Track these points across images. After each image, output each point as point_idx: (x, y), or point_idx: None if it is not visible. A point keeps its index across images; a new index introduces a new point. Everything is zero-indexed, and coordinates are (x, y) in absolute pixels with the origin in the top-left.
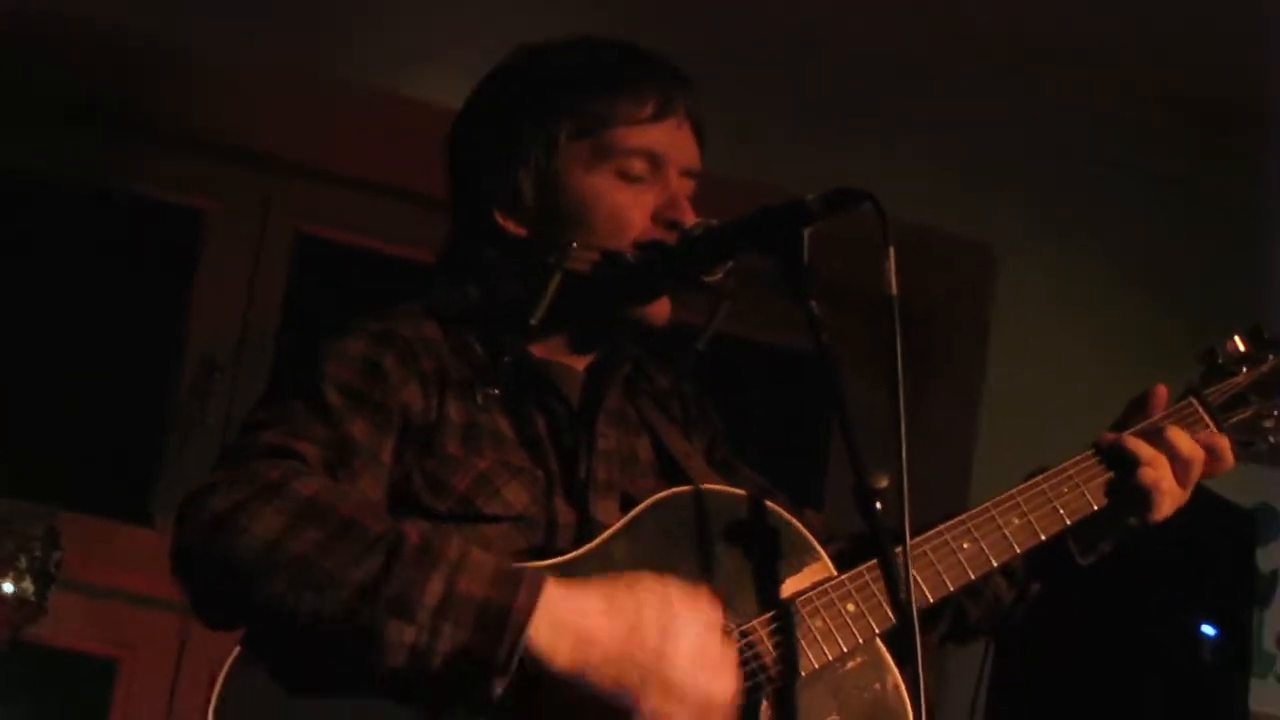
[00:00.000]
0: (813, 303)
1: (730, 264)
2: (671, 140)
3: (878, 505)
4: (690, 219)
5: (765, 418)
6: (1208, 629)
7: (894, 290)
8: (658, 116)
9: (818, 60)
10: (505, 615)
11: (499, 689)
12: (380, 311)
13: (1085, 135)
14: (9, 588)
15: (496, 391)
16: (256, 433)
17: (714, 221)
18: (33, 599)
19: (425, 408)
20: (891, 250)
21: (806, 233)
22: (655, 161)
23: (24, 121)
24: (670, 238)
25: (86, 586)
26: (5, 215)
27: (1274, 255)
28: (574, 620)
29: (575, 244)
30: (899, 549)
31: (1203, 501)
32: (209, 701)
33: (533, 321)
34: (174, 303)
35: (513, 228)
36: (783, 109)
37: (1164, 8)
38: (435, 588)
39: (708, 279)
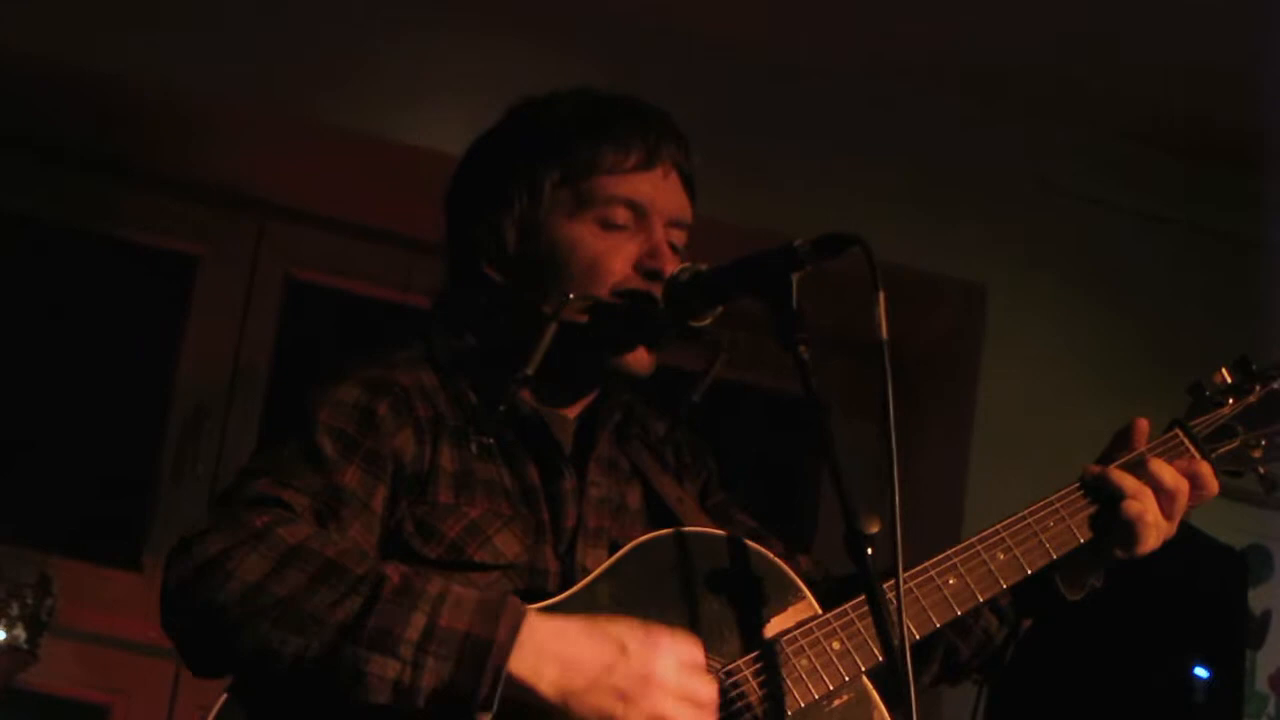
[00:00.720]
0: (802, 347)
1: (720, 309)
2: (656, 190)
3: (869, 551)
4: (671, 268)
5: (755, 461)
6: (1200, 671)
7: (885, 335)
8: (642, 166)
9: (807, 103)
10: (488, 647)
11: None
12: (377, 356)
13: (1077, 174)
14: (1, 635)
15: (491, 440)
16: (247, 481)
17: (702, 266)
18: (25, 646)
19: (418, 455)
20: (882, 295)
21: (796, 277)
22: (638, 210)
23: (15, 166)
24: (652, 287)
25: (79, 633)
26: None
27: (1267, 292)
28: (557, 646)
29: (571, 294)
30: (889, 584)
31: (1195, 543)
32: None
33: (528, 371)
34: (164, 347)
35: (497, 276)
36: (772, 152)
37: (1157, 47)
38: (417, 623)
39: (696, 324)
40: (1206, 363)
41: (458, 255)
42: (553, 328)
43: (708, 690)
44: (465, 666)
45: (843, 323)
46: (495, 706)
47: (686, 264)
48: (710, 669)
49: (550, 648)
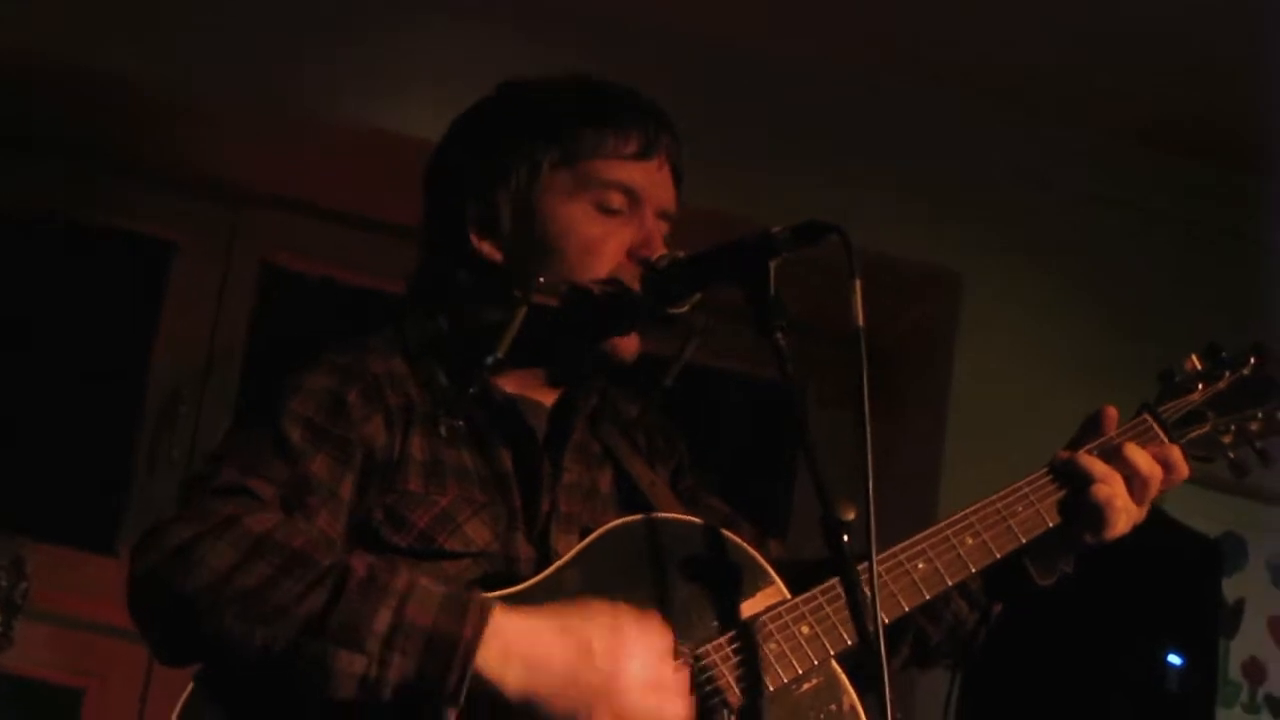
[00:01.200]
0: (779, 334)
1: (698, 296)
2: (651, 180)
3: (845, 538)
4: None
5: (731, 448)
6: (1174, 658)
7: (861, 322)
8: (641, 155)
9: (784, 93)
10: (454, 643)
11: (451, 718)
12: (348, 344)
13: (1053, 164)
14: None
15: (461, 424)
16: (214, 468)
17: (680, 254)
18: None
19: (388, 444)
20: (858, 282)
21: (773, 265)
22: (633, 198)
23: None
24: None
25: (53, 616)
26: None
27: (1243, 283)
28: (523, 645)
29: (542, 278)
30: (862, 567)
31: (1169, 531)
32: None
33: (498, 355)
34: (140, 334)
35: (488, 250)
36: (749, 141)
37: (1135, 38)
38: (383, 617)
39: (674, 311)
40: (1184, 353)
41: (443, 229)
42: (523, 311)
43: (677, 679)
44: (431, 663)
45: (818, 311)
46: (461, 703)
47: (664, 251)
48: (680, 654)
49: (516, 647)
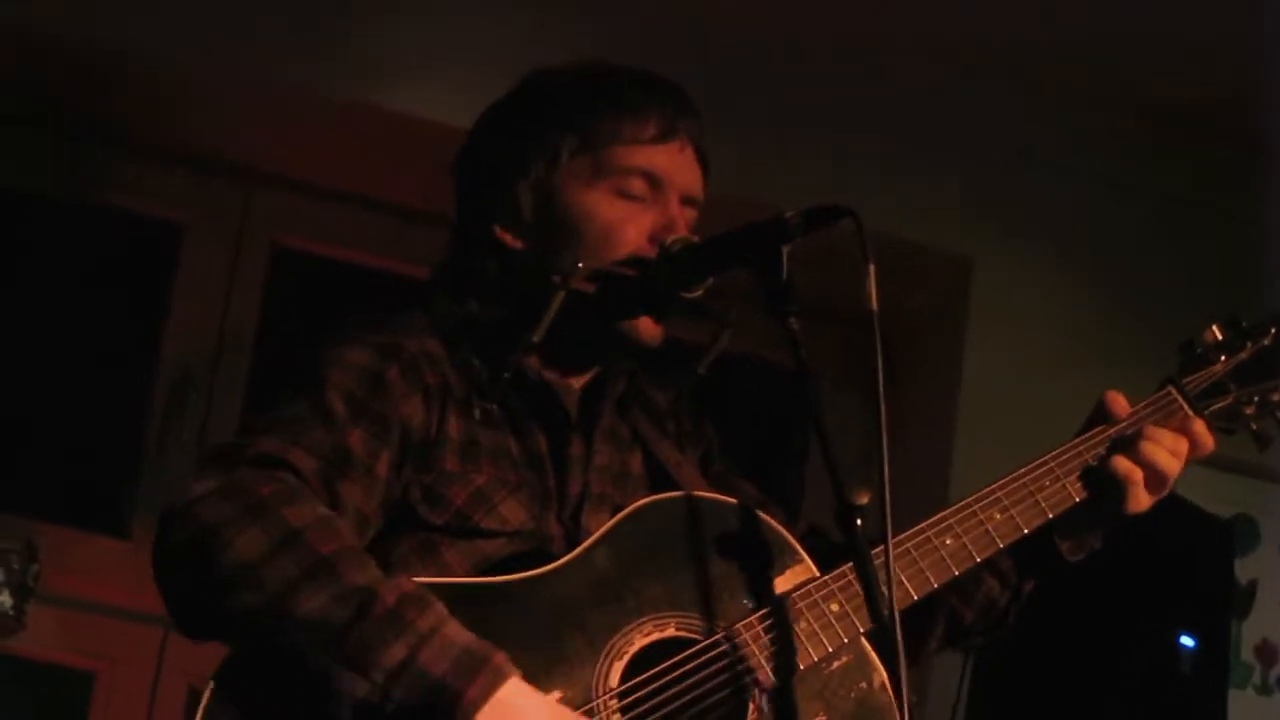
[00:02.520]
0: (792, 319)
1: (710, 280)
2: (673, 163)
3: (859, 522)
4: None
5: (741, 432)
6: (1186, 640)
7: (874, 306)
8: (660, 138)
9: (796, 75)
10: (456, 700)
11: None
12: (383, 323)
13: (1064, 148)
14: None
15: (495, 407)
16: (253, 437)
17: (694, 238)
18: (10, 612)
19: (426, 422)
20: (872, 266)
21: (786, 249)
22: (655, 182)
23: (2, 131)
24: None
25: (64, 599)
26: None
27: (1254, 266)
28: (530, 712)
29: (581, 263)
30: (878, 550)
31: (1182, 513)
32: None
33: (534, 339)
34: (150, 315)
35: (510, 241)
36: (759, 125)
37: (1145, 20)
38: (396, 653)
39: (688, 295)
40: (1192, 333)
41: (469, 220)
42: (560, 296)
43: None
44: (431, 710)
45: (828, 294)
46: None
47: (678, 235)
48: (709, 645)
49: (520, 716)
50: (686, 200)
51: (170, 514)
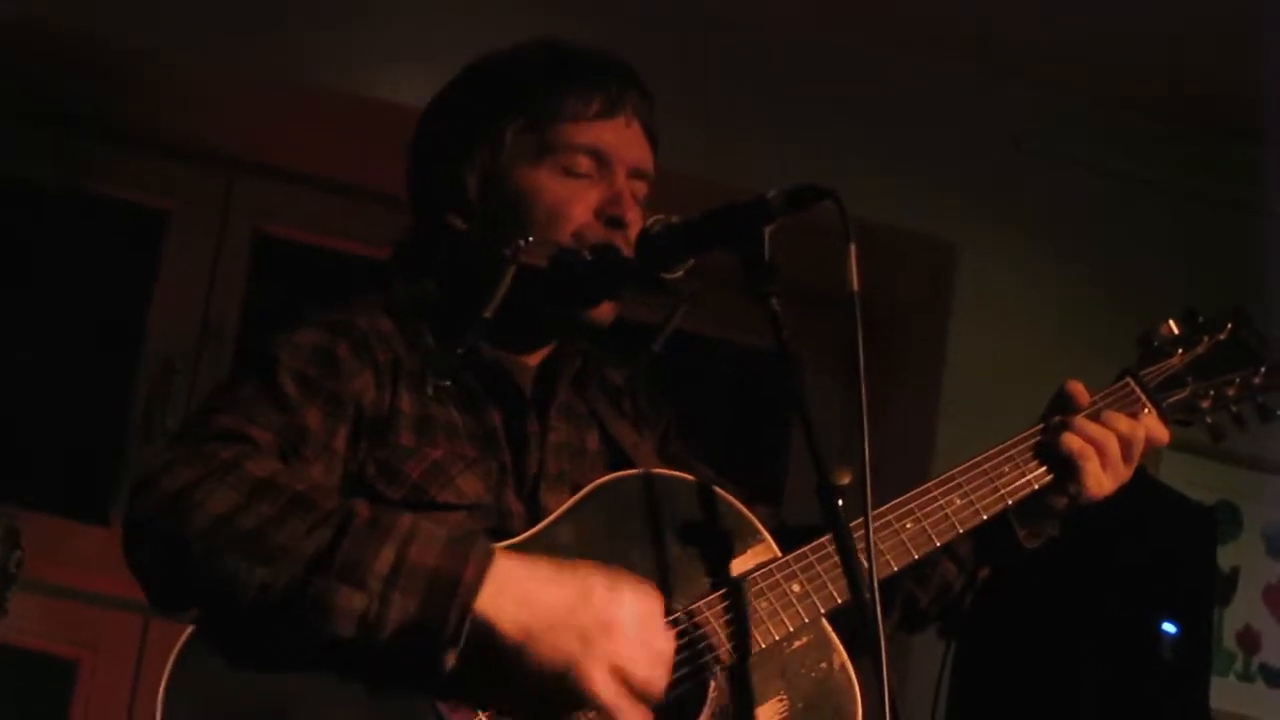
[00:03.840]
0: (774, 300)
1: (691, 262)
2: (619, 138)
3: (840, 502)
4: (630, 215)
5: (723, 416)
6: (1169, 627)
7: (855, 287)
8: (604, 114)
9: (779, 59)
10: (455, 584)
11: (450, 663)
12: (335, 304)
13: (1050, 133)
14: None
15: (448, 383)
16: (209, 417)
17: (674, 218)
18: None
19: (378, 398)
20: (853, 247)
21: (768, 230)
22: (600, 159)
23: None
24: (612, 235)
25: (47, 587)
26: None
27: (1239, 253)
28: (523, 587)
29: (530, 238)
30: (855, 524)
31: (1164, 500)
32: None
33: (486, 314)
34: (133, 303)
35: (459, 225)
36: (744, 107)
37: (1135, 7)
38: (386, 556)
39: (668, 277)
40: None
41: (421, 204)
42: (511, 270)
43: (665, 643)
44: (431, 602)
45: (810, 277)
46: (461, 644)
47: (659, 216)
48: (670, 622)
49: (516, 588)
50: (635, 174)
51: (135, 487)
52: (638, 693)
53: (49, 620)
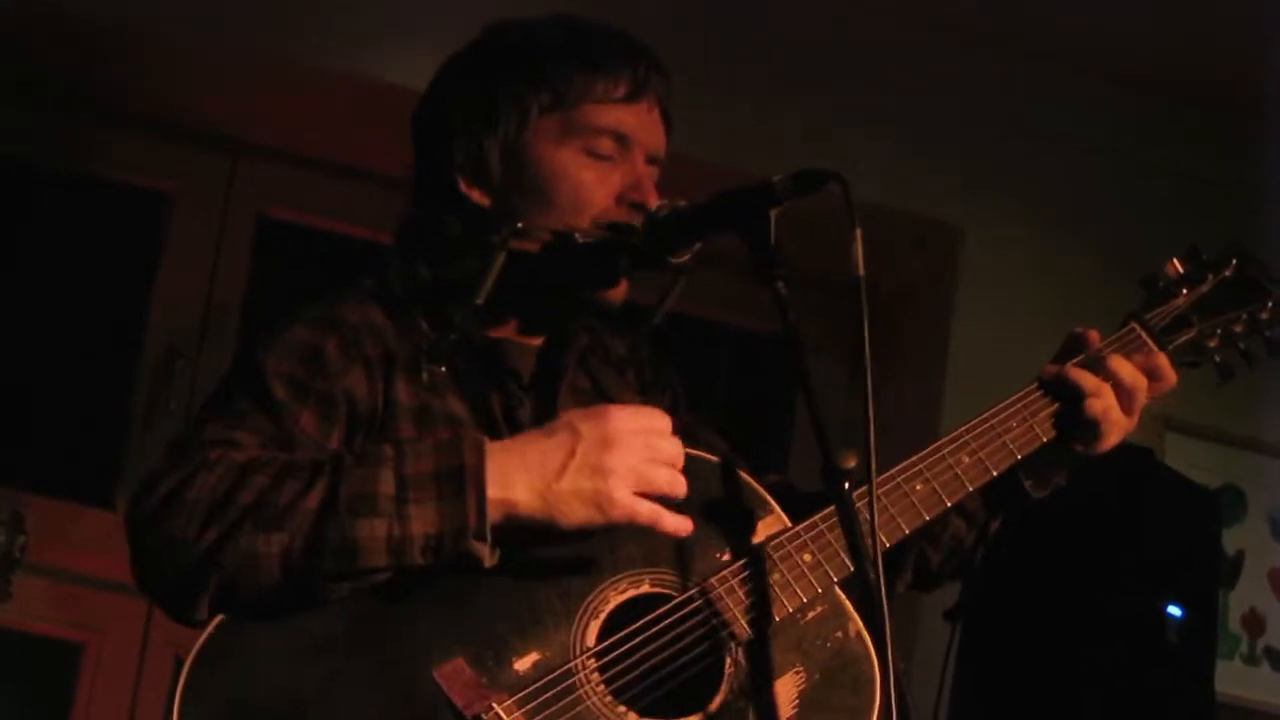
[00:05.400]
0: (780, 284)
1: (698, 246)
2: (641, 123)
3: (846, 485)
4: (654, 202)
5: (726, 401)
6: (1173, 610)
7: (861, 271)
8: (630, 98)
9: (785, 42)
10: (459, 472)
11: (489, 557)
12: (323, 298)
13: (1056, 117)
14: None
15: (442, 369)
16: (198, 428)
17: (681, 202)
18: None
19: (371, 393)
20: (859, 231)
21: (774, 213)
22: (623, 142)
23: None
24: (633, 218)
25: (51, 570)
26: None
27: (1248, 235)
28: (519, 455)
29: (521, 223)
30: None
31: (1169, 484)
32: (175, 683)
33: (477, 300)
34: (136, 286)
35: (477, 197)
36: (749, 91)
37: None
38: (386, 478)
39: (675, 260)
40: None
41: (431, 175)
42: (501, 256)
43: (670, 443)
44: (446, 499)
45: (815, 261)
46: (489, 534)
47: (665, 200)
48: (684, 600)
49: (516, 457)
50: (651, 159)
51: (131, 504)
52: (665, 495)
53: (53, 604)
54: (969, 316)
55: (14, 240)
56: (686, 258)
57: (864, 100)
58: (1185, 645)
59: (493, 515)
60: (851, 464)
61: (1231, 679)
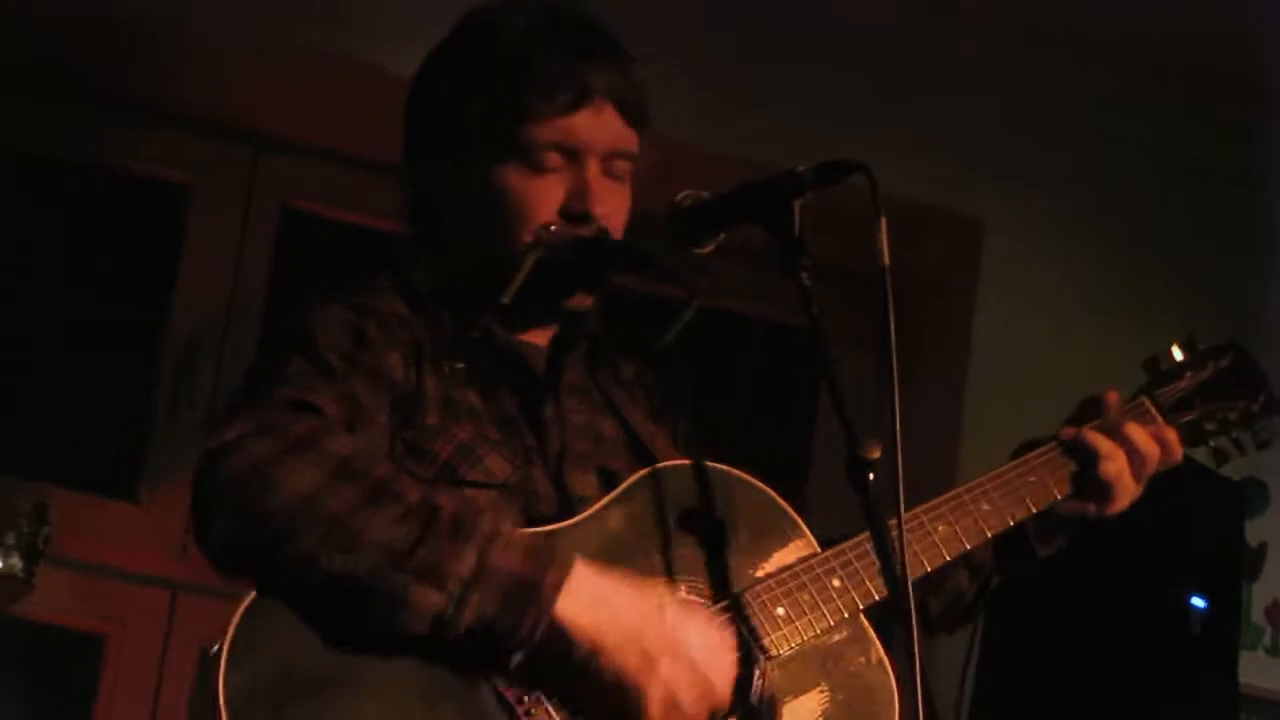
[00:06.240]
0: (804, 274)
1: (721, 237)
2: (588, 128)
3: (871, 476)
4: (599, 208)
5: (751, 392)
6: (1197, 601)
7: (886, 260)
8: (570, 107)
9: (808, 34)
10: (535, 589)
11: (516, 661)
12: (353, 287)
13: (1078, 108)
14: None
15: (461, 365)
16: (270, 388)
17: (704, 194)
18: (21, 575)
19: (405, 377)
20: (883, 220)
21: (798, 204)
22: (569, 152)
23: (8, 99)
24: (579, 230)
25: (75, 562)
26: None
27: (1265, 230)
28: (601, 600)
29: (553, 226)
30: (891, 522)
31: (1191, 475)
32: (198, 673)
33: (504, 300)
34: (160, 278)
35: (444, 213)
36: (773, 84)
37: None
38: (469, 558)
39: (698, 252)
40: (1199, 300)
41: (411, 183)
42: (533, 258)
43: (723, 680)
44: (509, 606)
45: (837, 252)
46: (534, 642)
47: (689, 191)
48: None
49: (592, 599)
50: (612, 155)
51: (209, 458)
52: (707, 690)
53: (77, 595)
54: (991, 308)
55: (38, 233)
56: (710, 249)
57: (889, 92)
58: (1208, 637)
59: (545, 632)
60: (876, 455)
61: (1255, 670)
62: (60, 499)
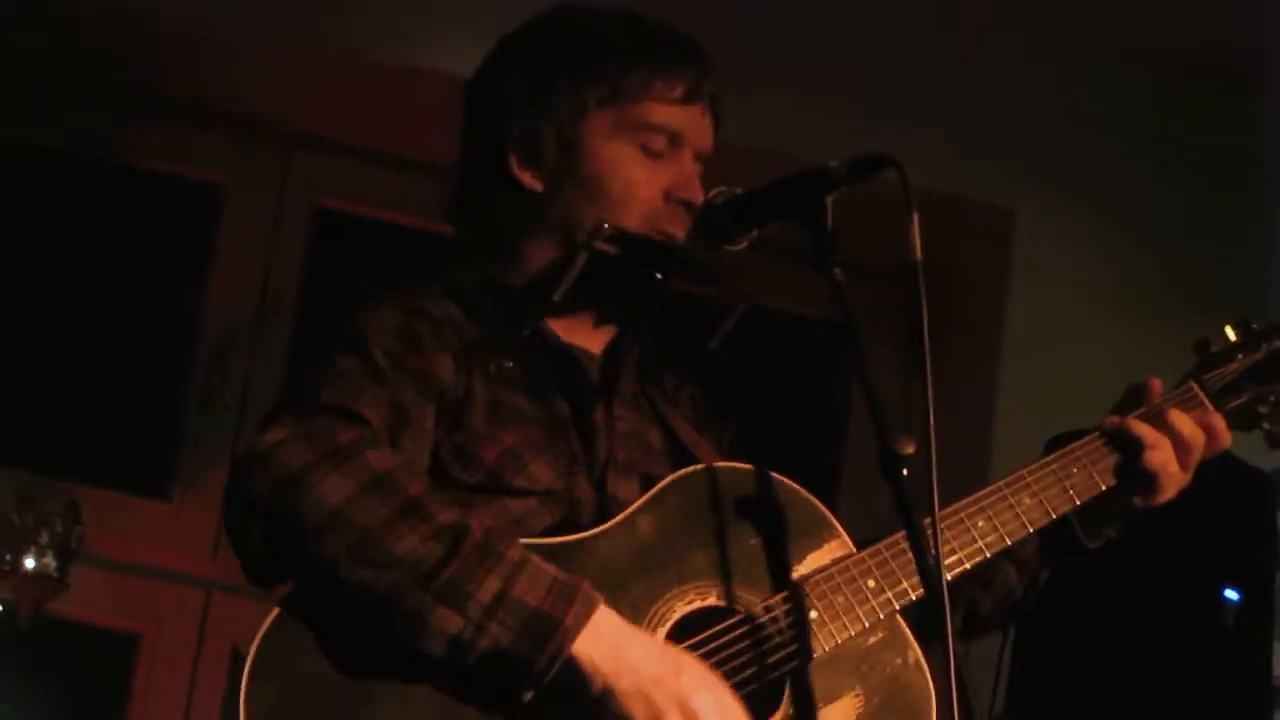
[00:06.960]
0: (837, 270)
1: (754, 233)
2: (694, 122)
3: (904, 471)
4: (701, 199)
5: (783, 387)
6: (1230, 593)
7: (918, 255)
8: (686, 100)
9: (838, 26)
10: (555, 625)
11: (527, 697)
12: (403, 288)
13: (1109, 102)
14: (31, 563)
15: (510, 364)
16: (315, 391)
17: (737, 190)
18: (54, 574)
19: (455, 382)
20: (915, 215)
21: (830, 199)
22: (675, 140)
23: (41, 100)
24: (680, 217)
25: (108, 561)
26: (23, 192)
27: None
28: (620, 645)
29: (606, 224)
30: (926, 520)
31: (1224, 466)
32: (231, 673)
33: (555, 298)
34: (191, 278)
35: (528, 180)
36: (803, 76)
37: None
38: (491, 586)
39: (731, 248)
40: (1230, 292)
41: (483, 153)
42: (584, 256)
43: None
44: (527, 640)
45: (868, 248)
46: (548, 680)
47: (721, 188)
48: (748, 616)
49: (613, 642)
50: (700, 155)
51: (247, 460)
52: None
53: (110, 594)
54: (1023, 300)
55: (70, 232)
56: (743, 245)
57: (922, 85)
58: (1241, 628)
59: (559, 671)
60: (909, 450)
61: None
62: (93, 498)
